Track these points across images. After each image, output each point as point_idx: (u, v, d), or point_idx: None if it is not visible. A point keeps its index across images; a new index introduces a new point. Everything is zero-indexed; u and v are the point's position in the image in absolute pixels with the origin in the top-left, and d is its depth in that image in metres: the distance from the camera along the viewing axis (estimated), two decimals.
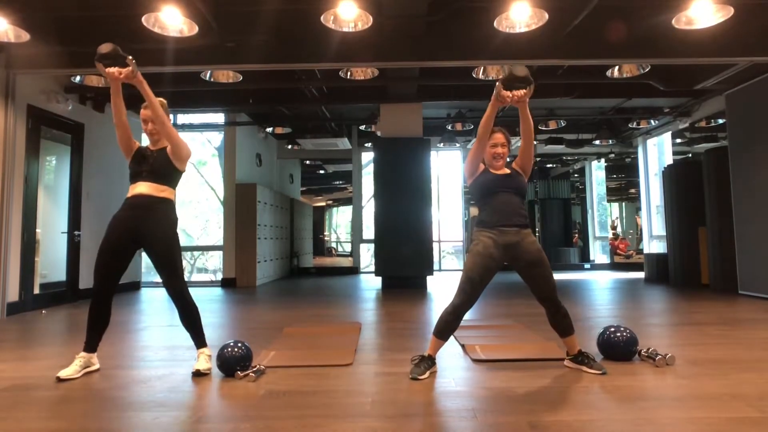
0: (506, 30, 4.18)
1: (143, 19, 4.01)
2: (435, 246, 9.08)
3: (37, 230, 5.86)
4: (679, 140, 10.05)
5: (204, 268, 12.39)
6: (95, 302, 2.85)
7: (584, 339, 3.52)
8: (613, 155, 11.48)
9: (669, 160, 9.53)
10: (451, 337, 3.72)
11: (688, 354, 3.18)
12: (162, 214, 2.85)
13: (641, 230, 10.37)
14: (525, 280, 2.85)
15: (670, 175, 7.95)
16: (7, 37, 4.31)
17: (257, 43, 5.10)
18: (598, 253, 12.46)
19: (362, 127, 10.13)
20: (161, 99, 2.92)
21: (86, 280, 6.55)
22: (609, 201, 13.98)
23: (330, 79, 6.38)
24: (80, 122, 6.62)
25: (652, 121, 8.76)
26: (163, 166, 2.87)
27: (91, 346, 2.89)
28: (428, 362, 2.80)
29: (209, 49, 5.07)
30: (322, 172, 14.88)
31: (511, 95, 2.61)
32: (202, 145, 12.02)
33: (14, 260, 5.42)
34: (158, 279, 8.74)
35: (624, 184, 15.32)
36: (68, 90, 6.31)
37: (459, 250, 12.17)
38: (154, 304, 6.14)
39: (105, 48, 2.66)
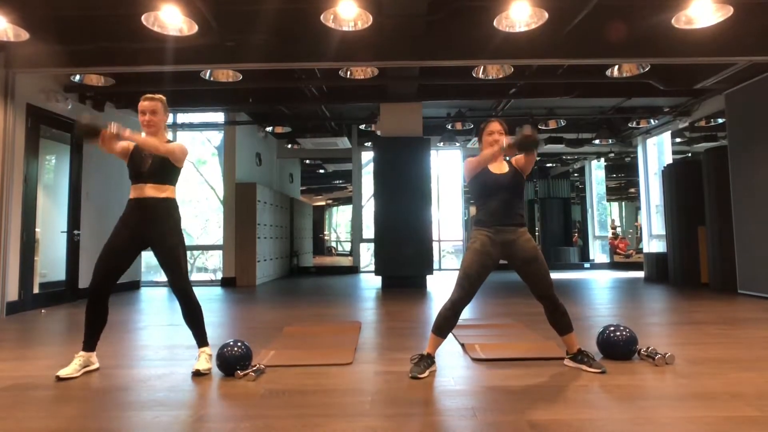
0: (506, 29, 4.18)
1: (143, 18, 4.01)
2: (435, 245, 9.09)
3: (37, 229, 5.86)
4: (678, 140, 10.05)
5: (204, 267, 12.39)
6: (92, 301, 2.86)
7: (584, 338, 3.52)
8: (612, 155, 11.49)
9: (669, 159, 9.54)
10: (451, 337, 3.74)
11: (688, 353, 3.19)
12: (166, 214, 2.88)
13: (641, 230, 10.37)
14: (523, 278, 2.87)
15: (669, 174, 7.95)
16: (7, 36, 4.30)
17: (257, 42, 5.10)
18: (597, 253, 12.46)
19: (362, 127, 10.14)
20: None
21: (86, 279, 6.55)
22: (609, 200, 13.98)
23: (330, 79, 6.38)
24: None
25: (651, 121, 8.76)
26: (162, 166, 2.90)
27: (89, 345, 2.90)
28: (428, 361, 2.80)
29: (209, 48, 5.07)
30: (321, 171, 14.88)
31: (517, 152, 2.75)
32: (202, 144, 12.02)
33: (14, 259, 5.42)
34: (158, 279, 8.78)
35: (624, 184, 15.33)
36: (68, 89, 6.31)
37: (459, 249, 12.17)
38: (153, 304, 6.14)
39: (82, 121, 2.68)
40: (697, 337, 3.71)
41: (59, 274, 6.36)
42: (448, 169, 11.55)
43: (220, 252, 8.68)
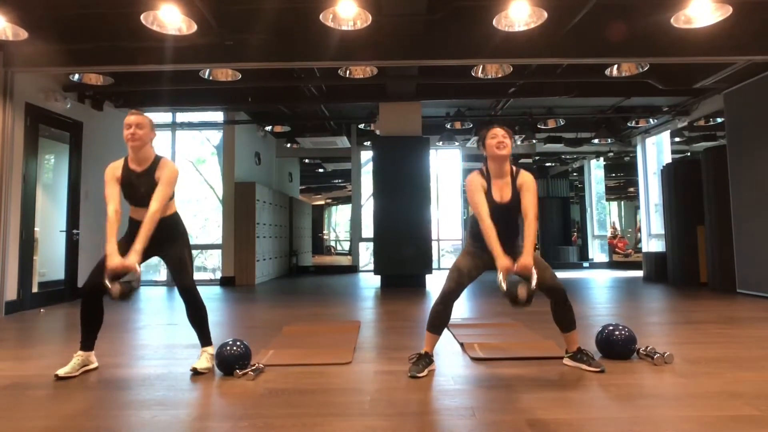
0: (505, 29, 4.17)
1: (142, 17, 4.00)
2: (434, 245, 9.09)
3: (36, 229, 5.85)
4: (677, 139, 10.05)
5: (203, 266, 12.38)
6: (87, 300, 2.84)
7: (583, 337, 3.52)
8: (611, 154, 11.49)
9: (668, 158, 9.54)
10: (450, 336, 3.74)
11: (687, 352, 3.19)
12: (173, 228, 2.94)
13: (640, 230, 10.38)
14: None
15: (668, 173, 7.96)
16: (6, 35, 4.30)
17: (256, 41, 5.09)
18: (596, 252, 12.47)
19: (361, 126, 10.13)
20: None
21: (84, 278, 6.53)
22: (608, 200, 13.98)
23: (329, 78, 6.38)
24: (79, 120, 6.61)
25: (650, 120, 8.76)
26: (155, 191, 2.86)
27: (87, 345, 2.89)
28: (426, 360, 2.80)
29: (208, 47, 5.06)
30: (321, 170, 14.87)
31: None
32: (201, 143, 12.01)
33: (13, 259, 5.41)
34: (158, 278, 8.78)
35: (623, 183, 15.33)
36: (67, 88, 6.30)
37: (458, 248, 12.17)
38: (153, 303, 6.14)
39: (116, 296, 2.67)
40: (696, 337, 3.72)
41: (58, 273, 6.35)
42: (447, 169, 11.57)
43: (219, 251, 8.68)
